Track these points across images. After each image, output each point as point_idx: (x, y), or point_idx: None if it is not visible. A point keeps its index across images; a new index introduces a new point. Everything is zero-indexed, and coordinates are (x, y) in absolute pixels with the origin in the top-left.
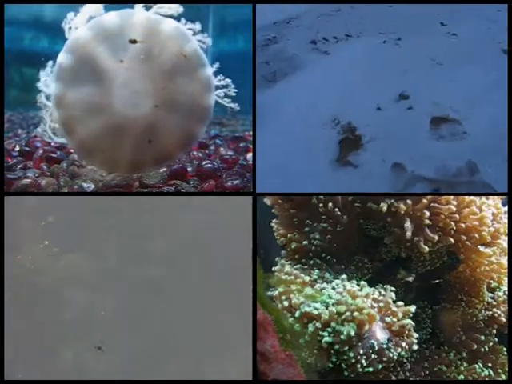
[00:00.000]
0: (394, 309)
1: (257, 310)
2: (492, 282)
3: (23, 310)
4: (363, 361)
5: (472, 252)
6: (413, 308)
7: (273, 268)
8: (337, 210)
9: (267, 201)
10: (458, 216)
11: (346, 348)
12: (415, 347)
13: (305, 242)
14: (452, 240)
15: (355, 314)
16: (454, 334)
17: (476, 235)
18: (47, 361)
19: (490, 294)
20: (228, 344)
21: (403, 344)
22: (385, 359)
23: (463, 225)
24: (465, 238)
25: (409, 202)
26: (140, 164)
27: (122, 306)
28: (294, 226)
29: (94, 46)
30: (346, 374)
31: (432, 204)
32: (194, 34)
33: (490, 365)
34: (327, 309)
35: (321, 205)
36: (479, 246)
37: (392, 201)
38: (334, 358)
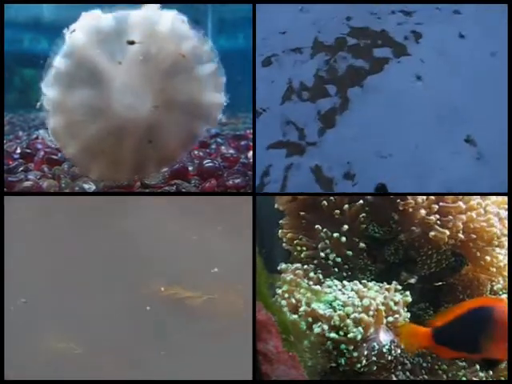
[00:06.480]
0: (395, 308)
1: (260, 311)
2: (495, 284)
3: None
4: (364, 361)
5: (485, 254)
6: (409, 298)
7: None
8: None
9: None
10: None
11: (352, 348)
12: None
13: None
14: (462, 237)
15: (362, 315)
16: None
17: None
18: None
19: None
20: (228, 344)
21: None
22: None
23: (472, 225)
24: (474, 236)
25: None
26: (143, 165)
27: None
28: (302, 227)
29: (92, 49)
30: (342, 370)
31: (440, 203)
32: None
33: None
34: (335, 311)
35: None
36: (494, 248)
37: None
38: (337, 357)
